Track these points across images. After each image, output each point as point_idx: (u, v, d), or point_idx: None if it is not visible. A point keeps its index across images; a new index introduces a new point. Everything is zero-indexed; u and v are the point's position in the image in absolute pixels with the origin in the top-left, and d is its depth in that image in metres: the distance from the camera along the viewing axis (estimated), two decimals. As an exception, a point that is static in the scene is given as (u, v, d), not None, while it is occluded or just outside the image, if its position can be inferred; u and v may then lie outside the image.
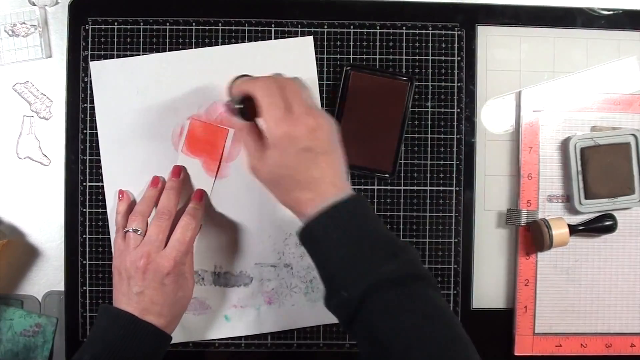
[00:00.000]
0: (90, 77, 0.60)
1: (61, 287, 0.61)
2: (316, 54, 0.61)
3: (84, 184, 0.60)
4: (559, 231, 0.58)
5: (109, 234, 0.60)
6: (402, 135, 0.60)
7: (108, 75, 0.60)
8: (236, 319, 0.61)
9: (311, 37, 0.61)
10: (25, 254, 0.61)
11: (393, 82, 0.60)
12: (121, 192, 0.59)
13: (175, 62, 0.60)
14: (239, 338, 0.61)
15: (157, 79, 0.60)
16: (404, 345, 0.43)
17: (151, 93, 0.60)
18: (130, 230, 0.54)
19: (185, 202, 0.58)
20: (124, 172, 0.60)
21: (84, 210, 0.60)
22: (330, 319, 0.53)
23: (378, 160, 0.60)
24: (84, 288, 0.61)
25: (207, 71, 0.61)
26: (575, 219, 0.61)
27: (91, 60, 0.60)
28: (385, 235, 0.48)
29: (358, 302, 0.45)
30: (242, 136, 0.51)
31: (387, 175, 0.61)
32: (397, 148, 0.60)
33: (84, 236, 0.61)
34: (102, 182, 0.60)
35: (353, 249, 0.46)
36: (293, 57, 0.61)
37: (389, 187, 0.61)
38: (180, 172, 0.59)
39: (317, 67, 0.61)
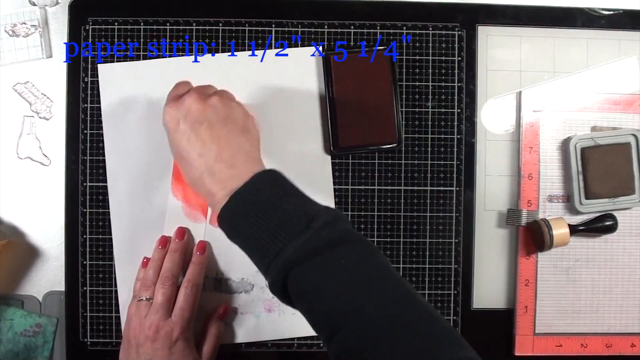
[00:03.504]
0: (98, 78, 0.60)
1: (61, 287, 0.61)
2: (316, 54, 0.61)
3: (85, 184, 0.60)
4: (560, 231, 0.58)
5: (109, 234, 0.60)
6: (398, 104, 0.60)
7: (115, 78, 0.60)
8: (236, 326, 0.61)
9: (312, 48, 0.61)
10: (25, 254, 0.61)
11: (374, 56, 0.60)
12: (146, 259, 0.59)
13: (183, 67, 0.60)
14: (239, 338, 0.62)
15: (165, 84, 0.60)
16: (337, 316, 0.42)
17: (158, 98, 0.60)
18: (144, 299, 0.55)
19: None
20: (129, 176, 0.60)
21: (84, 210, 0.60)
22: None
23: (381, 134, 0.60)
24: (84, 288, 0.61)
25: (214, 77, 0.60)
26: (576, 219, 0.61)
27: (97, 62, 0.60)
28: (297, 207, 0.46)
29: (282, 283, 0.44)
30: None
31: (394, 145, 0.60)
32: (397, 116, 0.60)
33: (85, 236, 0.61)
34: (102, 182, 0.60)
35: (261, 233, 0.45)
36: (295, 66, 0.61)
37: (389, 187, 0.62)
38: (184, 233, 0.59)
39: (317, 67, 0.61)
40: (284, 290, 0.45)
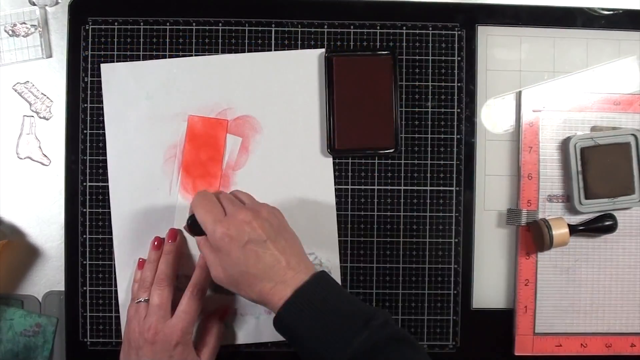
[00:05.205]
0: (99, 78, 0.60)
1: (61, 287, 0.61)
2: (316, 54, 0.61)
3: (84, 184, 0.60)
4: (559, 231, 0.59)
5: (109, 234, 0.60)
6: (398, 109, 0.60)
7: (118, 78, 0.60)
8: (236, 327, 0.61)
9: (318, 51, 0.61)
10: (25, 254, 0.61)
11: (375, 59, 0.60)
12: (142, 260, 0.58)
13: (186, 67, 0.60)
14: (239, 338, 0.62)
15: (167, 84, 0.60)
16: None
17: (160, 98, 0.60)
18: (142, 301, 0.55)
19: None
20: (130, 175, 0.60)
21: (84, 210, 0.60)
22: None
23: (379, 138, 0.60)
24: (84, 288, 0.61)
25: (217, 78, 0.61)
26: (576, 219, 0.61)
27: (99, 62, 0.60)
28: (353, 306, 0.49)
29: None
30: (201, 249, 0.53)
31: (391, 150, 0.60)
32: (396, 122, 0.60)
33: (84, 236, 0.61)
34: (102, 182, 0.60)
35: (323, 330, 0.47)
36: (295, 66, 0.61)
37: (389, 187, 0.62)
38: (176, 235, 0.59)
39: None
40: None
